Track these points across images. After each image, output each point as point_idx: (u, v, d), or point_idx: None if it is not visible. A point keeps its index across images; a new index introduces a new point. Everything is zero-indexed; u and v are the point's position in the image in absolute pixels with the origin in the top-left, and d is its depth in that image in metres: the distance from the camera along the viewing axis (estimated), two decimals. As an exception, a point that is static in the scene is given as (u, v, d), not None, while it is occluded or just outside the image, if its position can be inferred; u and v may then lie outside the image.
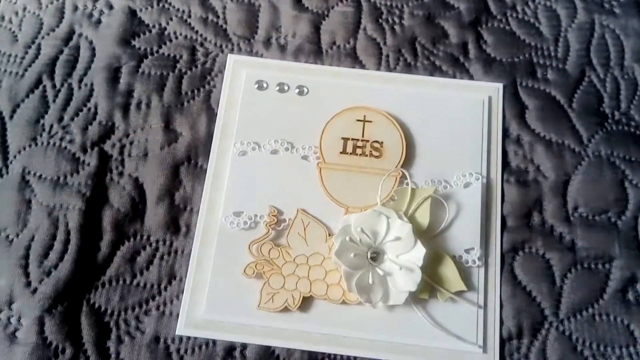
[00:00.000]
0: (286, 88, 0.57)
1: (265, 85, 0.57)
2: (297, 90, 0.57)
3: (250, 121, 0.55)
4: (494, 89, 0.58)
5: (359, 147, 0.54)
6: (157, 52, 0.60)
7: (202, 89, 0.58)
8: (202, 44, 0.60)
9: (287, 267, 0.50)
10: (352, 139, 0.54)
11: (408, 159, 0.54)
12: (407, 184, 0.53)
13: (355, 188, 0.53)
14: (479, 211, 0.53)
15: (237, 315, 0.49)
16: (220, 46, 0.60)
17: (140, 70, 0.59)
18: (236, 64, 0.58)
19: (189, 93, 0.58)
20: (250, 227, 0.52)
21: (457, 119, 0.56)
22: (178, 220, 0.53)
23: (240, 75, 0.58)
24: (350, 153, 0.54)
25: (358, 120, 0.55)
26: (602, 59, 0.60)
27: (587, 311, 0.51)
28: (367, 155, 0.54)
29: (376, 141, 0.54)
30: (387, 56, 0.60)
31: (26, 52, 0.60)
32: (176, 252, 0.52)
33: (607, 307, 0.51)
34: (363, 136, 0.55)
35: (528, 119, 0.57)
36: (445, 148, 0.55)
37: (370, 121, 0.55)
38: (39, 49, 0.60)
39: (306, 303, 0.50)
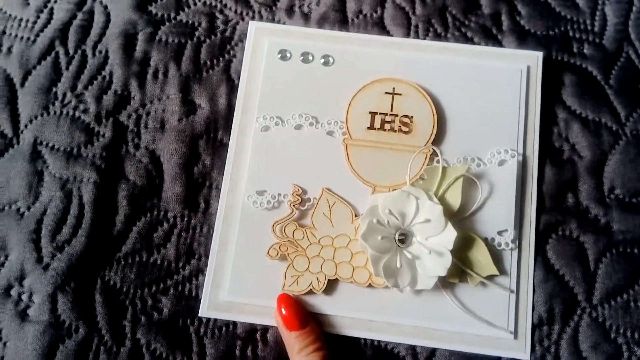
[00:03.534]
0: (311, 58, 0.54)
1: (288, 55, 0.54)
2: (323, 61, 0.54)
3: (273, 94, 0.53)
4: (533, 58, 0.55)
5: (387, 122, 0.52)
6: (175, 18, 0.57)
7: (221, 59, 0.56)
8: (221, 11, 0.58)
9: (311, 248, 0.49)
10: (380, 113, 0.52)
11: (439, 135, 0.52)
12: (438, 162, 0.50)
13: (383, 166, 0.51)
14: (514, 191, 0.50)
15: (260, 298, 0.48)
16: (241, 13, 0.58)
17: (157, 38, 0.57)
18: (258, 32, 0.56)
19: (208, 63, 0.56)
20: (274, 206, 0.50)
21: (492, 90, 0.53)
22: (197, 196, 0.51)
23: (262, 43, 0.55)
24: (378, 128, 0.52)
25: (387, 92, 0.53)
26: (642, 33, 0.58)
27: (622, 297, 0.49)
28: (395, 131, 0.51)
29: (406, 115, 0.52)
30: (416, 26, 0.57)
31: (38, 17, 0.57)
32: (194, 229, 0.51)
33: (643, 294, 0.49)
34: (392, 110, 0.52)
35: (564, 95, 0.55)
36: (479, 122, 0.52)
37: (400, 94, 0.53)
38: (51, 13, 0.57)
39: (331, 286, 0.48)
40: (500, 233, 0.49)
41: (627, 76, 0.55)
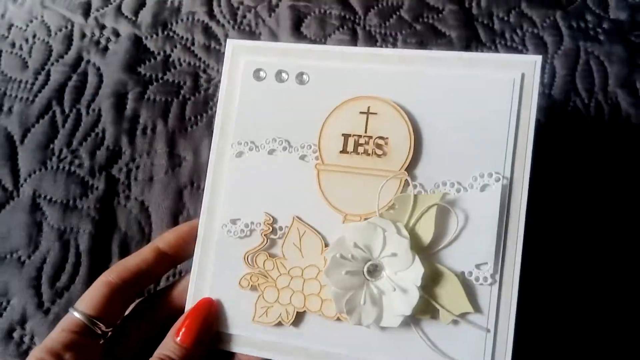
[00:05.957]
0: (285, 77, 0.51)
1: (263, 74, 0.51)
2: (297, 79, 0.51)
3: (249, 117, 0.51)
4: (530, 64, 0.47)
5: (360, 144, 0.48)
6: (162, 78, 0.61)
7: (204, 114, 0.59)
8: (204, 71, 0.61)
9: (281, 279, 0.47)
10: (354, 135, 0.48)
11: (416, 157, 0.47)
12: (411, 190, 0.47)
13: (355, 192, 0.48)
14: (496, 219, 0.45)
15: (233, 328, 0.47)
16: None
17: (146, 97, 0.60)
18: (236, 51, 0.52)
19: (192, 118, 0.59)
20: (246, 235, 0.48)
21: (478, 104, 0.47)
22: (182, 243, 0.53)
23: (238, 64, 0.52)
24: (351, 152, 0.48)
25: (361, 112, 0.49)
26: (587, 84, 0.58)
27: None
28: (369, 154, 0.48)
29: (381, 137, 0.48)
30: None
31: (36, 78, 0.62)
32: (180, 273, 0.53)
33: None
34: (366, 131, 0.48)
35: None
36: (461, 142, 0.47)
37: (375, 113, 0.49)
38: (48, 75, 0.62)
39: (301, 317, 0.46)
40: (478, 266, 0.45)
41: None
